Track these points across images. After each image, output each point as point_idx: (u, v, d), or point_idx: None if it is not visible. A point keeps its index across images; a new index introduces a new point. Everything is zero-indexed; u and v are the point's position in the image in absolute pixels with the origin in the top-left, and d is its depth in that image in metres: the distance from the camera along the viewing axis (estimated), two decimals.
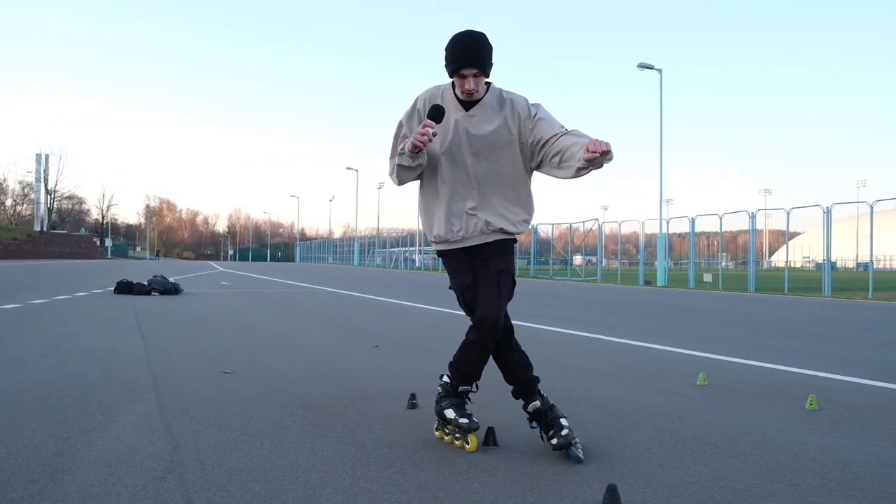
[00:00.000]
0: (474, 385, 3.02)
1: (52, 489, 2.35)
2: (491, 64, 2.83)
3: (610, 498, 2.27)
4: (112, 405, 3.64)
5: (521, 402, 2.97)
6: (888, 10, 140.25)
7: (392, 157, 2.99)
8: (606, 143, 2.56)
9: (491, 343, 2.87)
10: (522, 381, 2.92)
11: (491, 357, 2.98)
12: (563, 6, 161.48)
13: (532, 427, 2.94)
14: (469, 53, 2.76)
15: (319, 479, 2.52)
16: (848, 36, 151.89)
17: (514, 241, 3.07)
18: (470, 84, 2.79)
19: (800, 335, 7.90)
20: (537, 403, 2.88)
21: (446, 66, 2.82)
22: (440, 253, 3.05)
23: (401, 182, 2.99)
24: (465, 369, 2.95)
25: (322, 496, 2.33)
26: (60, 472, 2.52)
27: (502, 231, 2.94)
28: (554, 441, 2.80)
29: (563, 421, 2.85)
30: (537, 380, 2.95)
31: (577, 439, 2.83)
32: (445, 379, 3.05)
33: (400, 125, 3.00)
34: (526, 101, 2.93)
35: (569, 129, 2.84)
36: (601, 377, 4.77)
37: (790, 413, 3.72)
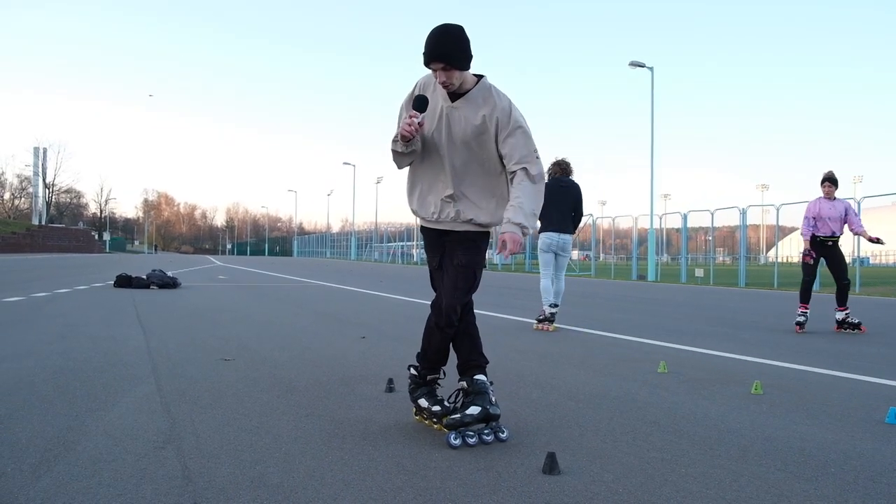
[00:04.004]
0: (441, 372, 3.32)
1: (66, 455, 2.70)
2: (465, 58, 2.90)
3: (549, 463, 2.63)
4: (115, 388, 3.99)
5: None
6: (881, 6, 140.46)
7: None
8: (503, 250, 2.89)
9: (449, 330, 3.13)
10: (464, 359, 3.18)
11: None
12: (557, 2, 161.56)
13: (448, 402, 3.19)
14: (436, 49, 2.84)
15: (299, 449, 2.87)
16: (841, 30, 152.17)
17: (487, 233, 3.19)
18: (440, 77, 2.89)
19: (761, 327, 8.27)
20: (464, 384, 3.12)
21: (422, 56, 2.91)
22: (420, 228, 3.32)
23: (399, 166, 3.15)
24: (431, 357, 3.24)
25: (301, 462, 2.69)
26: (72, 443, 2.87)
27: (472, 222, 3.09)
28: (445, 418, 3.04)
29: (473, 409, 2.98)
30: (479, 363, 3.15)
31: (479, 429, 2.97)
32: (413, 371, 3.33)
33: (401, 109, 3.16)
34: (510, 106, 3.00)
35: (527, 166, 2.96)
36: (569, 365, 5.13)
37: (735, 397, 4.07)
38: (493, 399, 3.07)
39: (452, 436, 2.95)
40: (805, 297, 7.95)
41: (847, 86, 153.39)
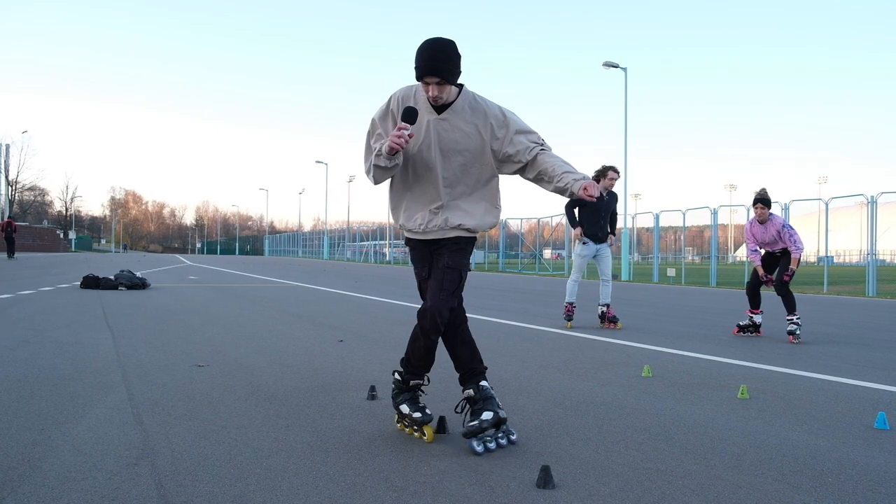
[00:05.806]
0: (425, 378, 3.24)
1: (32, 475, 2.54)
2: (457, 73, 2.91)
3: (543, 477, 2.53)
4: (84, 398, 3.81)
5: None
6: (853, 8, 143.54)
7: (367, 155, 3.10)
8: (586, 191, 2.86)
9: (434, 336, 3.07)
10: (466, 368, 3.16)
11: (446, 350, 3.23)
12: (530, 4, 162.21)
13: (456, 412, 3.16)
14: (432, 63, 2.84)
15: (281, 464, 2.74)
16: (810, 33, 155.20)
17: (473, 238, 3.21)
18: (433, 91, 2.89)
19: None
20: (470, 392, 3.09)
21: (414, 69, 2.90)
22: (406, 240, 3.27)
23: (377, 181, 3.08)
24: (415, 362, 3.17)
25: (283, 479, 2.56)
26: (38, 461, 2.70)
27: (461, 227, 3.08)
28: (463, 428, 3.00)
29: (487, 415, 2.98)
30: (480, 370, 3.16)
31: (493, 434, 2.98)
32: (397, 376, 3.26)
33: (373, 124, 3.10)
34: (499, 109, 3.05)
35: (542, 145, 3.05)
36: (553, 369, 5.05)
37: (722, 402, 4.03)
38: (499, 403, 3.12)
39: (475, 442, 2.94)
40: (753, 303, 7.60)
41: (814, 85, 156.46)
